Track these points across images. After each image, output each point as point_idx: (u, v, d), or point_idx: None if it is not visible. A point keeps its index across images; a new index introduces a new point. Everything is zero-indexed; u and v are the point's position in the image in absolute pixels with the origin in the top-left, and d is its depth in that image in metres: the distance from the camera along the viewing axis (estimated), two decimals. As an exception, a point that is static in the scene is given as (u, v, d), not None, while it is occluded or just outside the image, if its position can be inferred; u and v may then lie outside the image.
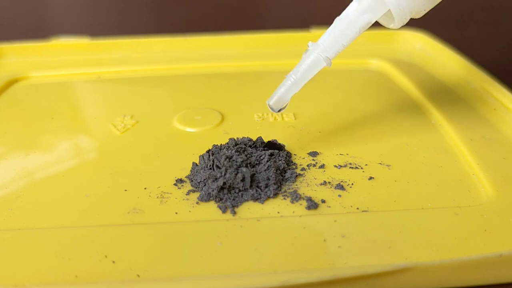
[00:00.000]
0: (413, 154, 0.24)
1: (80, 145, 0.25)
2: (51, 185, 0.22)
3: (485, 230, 0.18)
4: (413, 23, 0.40)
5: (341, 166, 0.23)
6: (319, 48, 0.21)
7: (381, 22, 0.22)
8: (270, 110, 0.22)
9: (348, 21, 0.21)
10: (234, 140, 0.23)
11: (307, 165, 0.23)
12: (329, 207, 0.20)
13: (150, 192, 0.21)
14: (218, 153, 0.22)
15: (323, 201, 0.20)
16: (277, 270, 0.17)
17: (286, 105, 0.22)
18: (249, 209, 0.20)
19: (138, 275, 0.16)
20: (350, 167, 0.22)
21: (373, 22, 0.21)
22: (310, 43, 0.22)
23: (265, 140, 0.23)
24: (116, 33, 0.40)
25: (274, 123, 0.27)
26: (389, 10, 0.20)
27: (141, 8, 0.60)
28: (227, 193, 0.20)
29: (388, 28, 0.41)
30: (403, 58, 0.36)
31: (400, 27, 0.40)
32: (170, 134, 0.26)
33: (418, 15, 0.21)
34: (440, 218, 0.19)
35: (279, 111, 0.22)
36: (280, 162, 0.22)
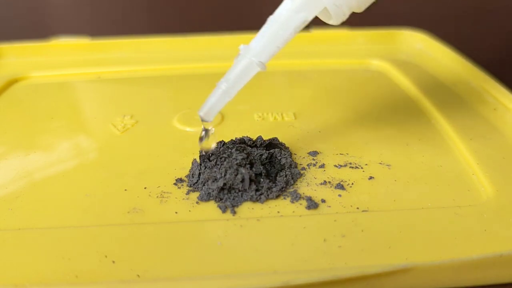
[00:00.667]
0: (413, 154, 0.24)
1: (80, 145, 0.25)
2: (51, 185, 0.22)
3: (485, 230, 0.18)
4: (413, 23, 0.40)
5: (341, 166, 0.23)
6: (251, 52, 0.20)
7: (321, 17, 0.20)
8: (203, 122, 0.21)
9: (281, 21, 0.19)
10: (234, 139, 0.23)
11: (307, 165, 0.23)
12: (329, 206, 0.20)
13: (150, 192, 0.21)
14: (218, 153, 0.22)
15: (323, 201, 0.20)
16: (277, 270, 0.17)
17: (212, 127, 0.21)
18: (249, 209, 0.20)
19: (138, 275, 0.16)
20: (350, 167, 0.22)
21: (309, 21, 0.20)
22: (241, 46, 0.20)
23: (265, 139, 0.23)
24: (116, 33, 0.40)
25: (274, 122, 0.27)
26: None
27: (141, 8, 0.60)
28: (227, 193, 0.20)
29: (388, 28, 0.41)
30: (403, 58, 0.36)
31: (401, 28, 0.40)
32: (170, 134, 0.26)
33: (359, 9, 0.20)
34: (440, 218, 0.19)
35: (206, 132, 0.21)
36: (286, 160, 0.22)
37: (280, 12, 0.20)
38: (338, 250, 0.17)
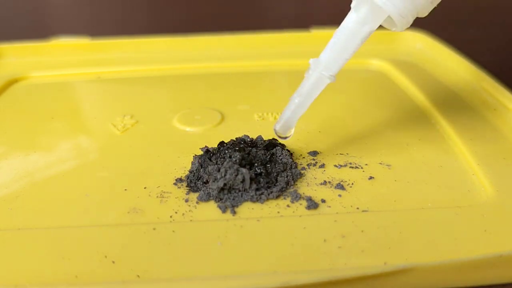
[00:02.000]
0: (413, 154, 0.24)
1: (80, 145, 0.25)
2: (51, 185, 0.22)
3: (485, 230, 0.18)
4: (413, 23, 0.40)
5: (341, 166, 0.23)
6: (321, 65, 0.21)
7: (384, 25, 0.21)
8: (278, 137, 0.22)
9: (348, 34, 0.20)
10: (234, 139, 0.23)
11: (307, 165, 0.23)
12: (329, 207, 0.20)
13: (150, 192, 0.21)
14: (218, 153, 0.22)
15: (323, 201, 0.20)
16: (277, 271, 0.17)
17: (292, 131, 0.22)
18: (249, 209, 0.20)
19: (138, 276, 0.16)
20: (350, 167, 0.22)
21: (375, 30, 0.21)
22: (311, 60, 0.21)
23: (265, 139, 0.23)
24: (116, 33, 0.40)
25: (274, 122, 0.27)
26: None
27: (141, 8, 0.60)
28: (227, 193, 0.20)
29: (388, 28, 0.41)
30: (403, 58, 0.36)
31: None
32: (170, 134, 0.26)
33: (423, 15, 0.20)
34: (440, 218, 0.19)
35: (286, 138, 0.22)
36: (286, 160, 0.22)
37: (346, 25, 0.20)
38: (338, 251, 0.17)
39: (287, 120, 0.22)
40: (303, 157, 0.23)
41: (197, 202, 0.20)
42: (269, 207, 0.20)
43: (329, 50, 0.21)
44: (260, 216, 0.19)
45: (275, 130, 0.22)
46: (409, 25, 0.20)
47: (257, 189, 0.20)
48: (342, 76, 0.34)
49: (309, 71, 0.21)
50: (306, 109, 0.22)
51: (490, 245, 0.18)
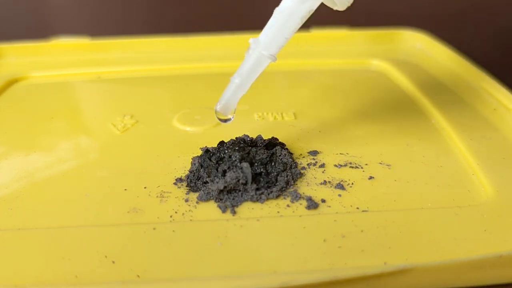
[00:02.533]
0: (413, 154, 0.24)
1: (80, 145, 0.25)
2: (51, 185, 0.22)
3: (485, 230, 0.18)
4: (413, 23, 0.40)
5: (341, 166, 0.23)
6: (261, 45, 0.20)
7: (326, 3, 0.21)
8: (218, 119, 0.22)
9: (288, 12, 0.20)
10: (234, 139, 0.23)
11: (307, 164, 0.23)
12: (329, 206, 0.20)
13: (150, 192, 0.21)
14: (218, 152, 0.22)
15: (323, 201, 0.20)
16: (277, 271, 0.17)
17: (233, 115, 0.22)
18: (249, 209, 0.20)
19: (138, 276, 0.16)
20: (350, 167, 0.22)
21: (315, 9, 0.20)
22: (251, 39, 0.20)
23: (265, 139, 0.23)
24: (116, 33, 0.40)
25: (274, 122, 0.27)
26: None
27: (141, 8, 0.60)
28: (227, 193, 0.20)
29: (388, 28, 0.41)
30: (403, 58, 0.36)
31: (401, 28, 0.40)
32: (170, 134, 0.26)
33: None
34: (440, 218, 0.19)
35: (225, 121, 0.22)
36: (286, 160, 0.22)
37: (286, 3, 0.20)
38: (338, 250, 0.17)
39: (227, 101, 0.21)
40: (303, 157, 0.23)
41: (197, 202, 0.20)
42: (269, 207, 0.20)
43: (268, 30, 0.20)
44: (260, 216, 0.19)
45: (216, 110, 0.22)
46: (349, 4, 0.20)
47: (257, 189, 0.20)
48: (342, 76, 0.35)
49: (249, 50, 0.21)
50: (246, 89, 0.21)
51: (490, 245, 0.18)
